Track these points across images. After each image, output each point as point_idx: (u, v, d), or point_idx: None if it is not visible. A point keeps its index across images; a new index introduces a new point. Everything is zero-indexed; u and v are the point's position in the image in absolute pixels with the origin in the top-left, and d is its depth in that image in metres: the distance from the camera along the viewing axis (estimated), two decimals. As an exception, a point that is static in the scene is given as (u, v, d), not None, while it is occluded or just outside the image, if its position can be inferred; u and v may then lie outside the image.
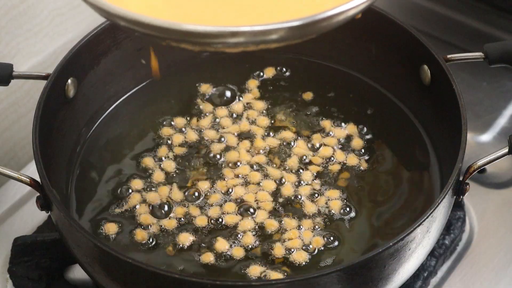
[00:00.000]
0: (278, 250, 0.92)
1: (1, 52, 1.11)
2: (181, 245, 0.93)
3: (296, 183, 0.98)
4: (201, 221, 0.95)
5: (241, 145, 1.02)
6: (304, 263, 0.91)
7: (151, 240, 0.94)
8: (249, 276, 0.90)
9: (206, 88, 1.08)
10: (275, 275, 0.90)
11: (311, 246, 0.92)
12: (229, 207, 0.96)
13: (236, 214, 0.95)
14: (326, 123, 1.04)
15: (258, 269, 0.91)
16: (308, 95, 1.07)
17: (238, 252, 0.92)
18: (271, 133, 1.03)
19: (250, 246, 0.93)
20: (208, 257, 0.92)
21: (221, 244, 0.92)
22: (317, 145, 1.01)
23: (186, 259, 0.92)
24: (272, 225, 0.94)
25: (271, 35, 0.69)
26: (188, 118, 1.05)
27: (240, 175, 0.99)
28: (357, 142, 1.02)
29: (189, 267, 0.91)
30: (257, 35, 0.69)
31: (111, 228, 0.95)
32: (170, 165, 1.00)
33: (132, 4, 0.73)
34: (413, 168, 1.00)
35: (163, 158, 1.01)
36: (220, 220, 0.95)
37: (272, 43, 0.71)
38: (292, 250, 0.92)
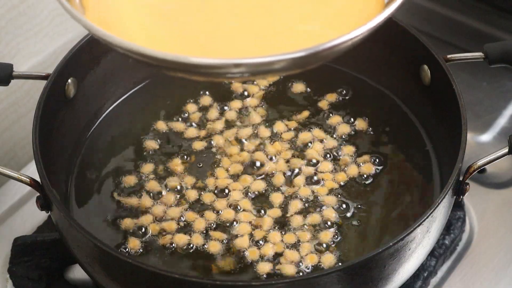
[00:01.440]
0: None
1: (1, 52, 1.11)
2: (175, 246, 0.93)
3: (296, 184, 0.98)
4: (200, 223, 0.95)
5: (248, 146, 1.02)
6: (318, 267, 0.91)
7: (148, 239, 0.94)
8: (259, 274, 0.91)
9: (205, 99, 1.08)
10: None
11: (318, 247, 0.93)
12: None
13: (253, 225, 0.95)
14: (326, 123, 1.04)
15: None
16: (307, 95, 1.07)
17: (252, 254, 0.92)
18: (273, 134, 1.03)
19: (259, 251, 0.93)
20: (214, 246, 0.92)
21: (242, 242, 0.92)
22: (317, 145, 1.01)
23: (186, 260, 0.92)
24: (276, 235, 0.94)
25: (274, 66, 0.69)
26: (187, 117, 1.05)
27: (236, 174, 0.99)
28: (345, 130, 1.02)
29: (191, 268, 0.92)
30: (260, 66, 0.69)
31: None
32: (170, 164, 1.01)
33: (132, 34, 0.73)
34: (413, 168, 1.00)
35: (162, 157, 1.01)
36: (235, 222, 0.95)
37: (276, 73, 0.71)
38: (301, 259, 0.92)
